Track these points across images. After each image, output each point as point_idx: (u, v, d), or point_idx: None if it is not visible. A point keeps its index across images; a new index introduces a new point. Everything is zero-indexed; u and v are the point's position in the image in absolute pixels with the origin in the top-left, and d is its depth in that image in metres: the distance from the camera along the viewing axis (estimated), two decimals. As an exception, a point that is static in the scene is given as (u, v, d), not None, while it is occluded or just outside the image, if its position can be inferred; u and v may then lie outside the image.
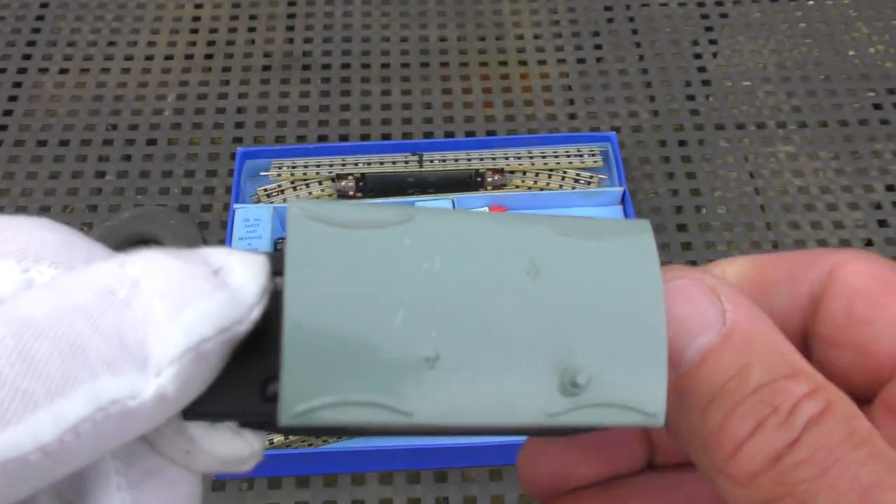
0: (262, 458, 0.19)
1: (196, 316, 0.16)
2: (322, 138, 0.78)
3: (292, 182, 0.71)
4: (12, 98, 0.81)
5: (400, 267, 0.16)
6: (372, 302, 0.16)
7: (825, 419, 0.16)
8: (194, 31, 0.87)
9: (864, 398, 0.19)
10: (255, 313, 0.17)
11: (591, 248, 0.17)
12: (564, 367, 0.16)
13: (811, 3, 0.89)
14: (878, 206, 0.74)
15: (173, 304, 0.16)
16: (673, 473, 0.22)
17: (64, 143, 0.78)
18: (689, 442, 0.18)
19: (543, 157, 0.72)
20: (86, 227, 0.72)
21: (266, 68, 0.84)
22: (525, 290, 0.16)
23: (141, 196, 0.74)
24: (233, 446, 0.18)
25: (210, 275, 0.16)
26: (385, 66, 0.84)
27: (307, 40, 0.87)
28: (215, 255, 0.17)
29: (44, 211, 0.73)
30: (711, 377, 0.17)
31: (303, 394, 0.15)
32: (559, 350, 0.16)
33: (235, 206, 0.69)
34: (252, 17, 0.88)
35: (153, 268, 0.16)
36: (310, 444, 0.59)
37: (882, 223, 0.73)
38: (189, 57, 0.85)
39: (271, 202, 0.70)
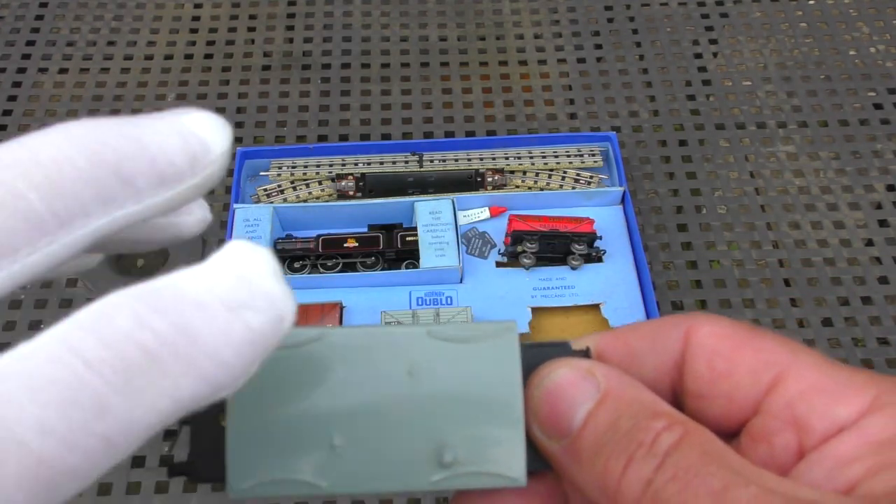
0: None
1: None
2: (322, 138, 0.78)
3: (292, 182, 0.70)
4: (11, 98, 0.81)
5: (312, 378, 0.22)
6: (291, 407, 0.21)
7: (683, 444, 0.20)
8: (194, 31, 0.87)
9: (733, 434, 0.23)
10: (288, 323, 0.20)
11: (461, 350, 0.22)
12: (439, 446, 0.22)
13: (812, 2, 0.89)
14: (879, 206, 0.74)
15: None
16: None
17: (63, 143, 0.78)
18: (589, 489, 0.22)
19: (543, 157, 0.72)
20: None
21: (266, 68, 0.84)
22: (406, 388, 0.22)
23: (140, 196, 0.74)
24: None
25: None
26: (385, 66, 0.84)
27: (307, 40, 0.86)
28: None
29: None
30: (593, 433, 0.22)
31: (243, 476, 0.21)
32: (435, 434, 0.22)
33: (235, 205, 0.69)
34: (252, 17, 0.88)
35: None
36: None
37: (882, 223, 0.73)
38: (188, 57, 0.85)
39: (271, 202, 0.70)
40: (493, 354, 0.22)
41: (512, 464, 0.22)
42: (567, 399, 0.22)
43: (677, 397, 0.25)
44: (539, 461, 0.23)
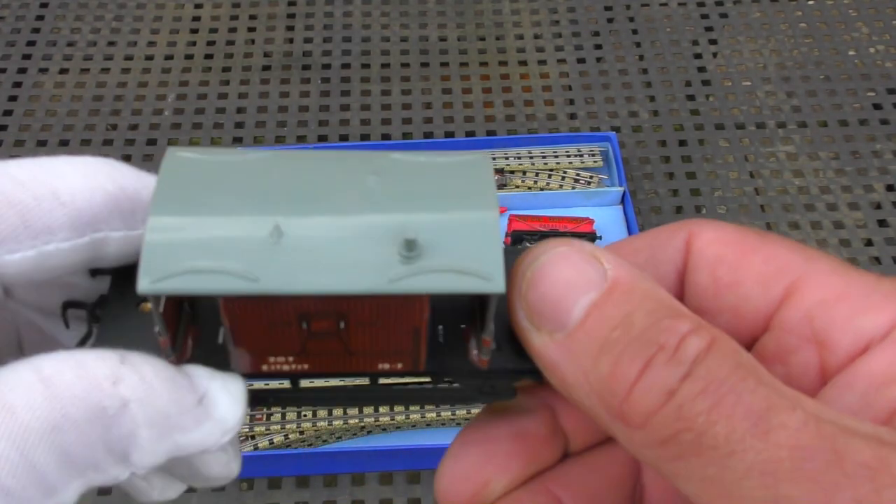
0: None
1: (176, 446, 0.19)
2: (322, 138, 0.78)
3: (292, 182, 0.71)
4: (12, 98, 0.81)
5: (253, 177, 0.18)
6: (225, 199, 0.18)
7: (713, 353, 0.17)
8: (194, 31, 0.87)
9: None
10: (230, 436, 0.20)
11: (430, 161, 0.19)
12: (403, 237, 0.17)
13: (811, 2, 0.89)
14: (878, 206, 0.74)
15: (157, 435, 0.19)
16: (589, 455, 0.23)
17: (64, 143, 0.78)
18: (586, 397, 0.18)
19: (543, 157, 0.72)
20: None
21: (266, 68, 0.84)
22: (367, 184, 0.18)
23: (141, 196, 0.74)
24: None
25: (195, 405, 0.19)
26: (385, 65, 0.84)
27: (307, 40, 0.87)
28: (199, 377, 0.20)
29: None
30: (597, 329, 0.18)
31: (155, 270, 0.17)
32: (398, 226, 0.18)
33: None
34: (252, 17, 0.88)
35: (143, 394, 0.19)
36: (310, 445, 0.59)
37: (882, 223, 0.73)
38: (189, 57, 0.85)
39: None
40: (464, 166, 0.19)
41: (487, 261, 0.18)
42: (566, 283, 0.18)
43: None
44: (526, 368, 0.20)
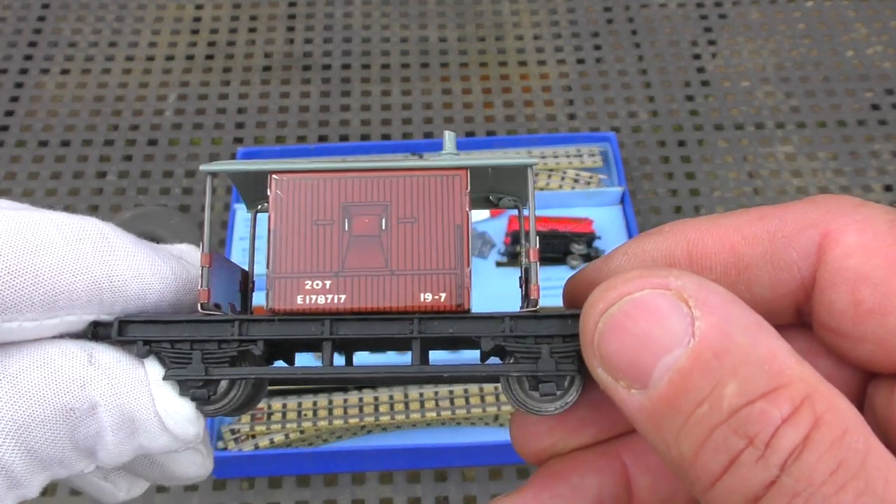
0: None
1: (141, 447, 0.20)
2: (322, 138, 0.79)
3: (293, 182, 0.71)
4: (14, 98, 0.81)
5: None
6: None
7: (808, 451, 0.14)
8: (195, 32, 0.87)
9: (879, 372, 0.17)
10: (193, 444, 0.21)
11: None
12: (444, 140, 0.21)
13: (810, 3, 0.89)
14: (877, 207, 0.74)
15: (124, 437, 0.19)
16: None
17: (65, 144, 0.78)
18: (670, 464, 0.16)
19: (543, 157, 0.72)
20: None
21: (266, 68, 0.84)
22: None
23: (142, 196, 0.75)
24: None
25: (157, 416, 0.20)
26: (385, 66, 0.85)
27: (307, 41, 0.87)
28: (153, 383, 0.20)
29: (45, 211, 0.74)
30: (681, 403, 0.15)
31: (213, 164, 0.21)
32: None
33: (236, 205, 0.69)
34: (253, 18, 0.89)
35: (111, 399, 0.19)
36: (310, 444, 0.60)
37: (880, 223, 0.73)
38: (190, 57, 0.85)
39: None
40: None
41: (523, 159, 0.21)
42: (646, 340, 0.16)
43: (803, 317, 0.18)
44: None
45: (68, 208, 0.74)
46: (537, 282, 0.20)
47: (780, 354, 0.15)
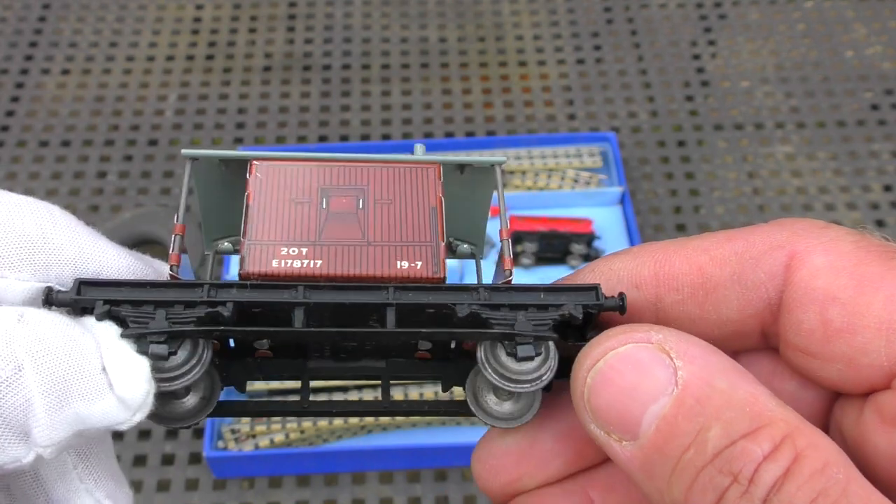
0: None
1: (76, 417, 0.17)
2: (322, 138, 0.79)
3: (293, 182, 0.71)
4: (14, 99, 0.81)
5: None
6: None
7: (788, 482, 0.15)
8: (195, 32, 0.88)
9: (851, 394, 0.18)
10: (139, 417, 0.18)
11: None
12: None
13: (809, 4, 0.89)
14: (876, 207, 0.74)
15: (55, 402, 0.17)
16: None
17: (66, 144, 0.78)
18: None
19: (543, 157, 0.72)
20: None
21: (267, 69, 0.84)
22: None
23: (142, 196, 0.75)
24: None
25: (97, 373, 0.18)
26: (385, 66, 0.85)
27: (308, 41, 0.87)
28: (105, 341, 0.18)
29: (46, 211, 0.74)
30: (669, 449, 0.16)
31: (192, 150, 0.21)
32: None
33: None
34: (253, 18, 0.89)
35: (39, 357, 0.17)
36: (310, 444, 0.60)
37: (880, 223, 0.73)
38: (190, 57, 0.85)
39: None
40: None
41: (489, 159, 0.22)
42: (633, 391, 0.17)
43: (768, 340, 0.19)
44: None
45: (69, 208, 0.73)
46: (510, 255, 0.21)
47: (760, 398, 0.16)
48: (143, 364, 0.18)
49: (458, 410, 0.22)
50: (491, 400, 0.21)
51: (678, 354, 0.17)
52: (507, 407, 0.21)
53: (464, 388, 0.22)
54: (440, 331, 0.20)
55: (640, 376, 0.17)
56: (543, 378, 0.19)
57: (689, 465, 0.16)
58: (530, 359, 0.19)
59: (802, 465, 0.15)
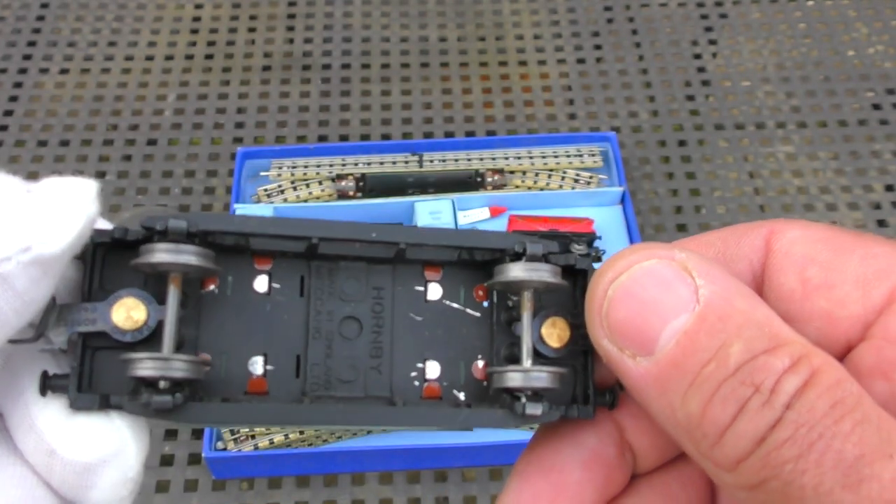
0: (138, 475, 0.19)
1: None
2: (322, 138, 0.78)
3: (292, 182, 0.71)
4: (13, 98, 0.81)
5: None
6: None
7: (808, 391, 0.15)
8: (194, 32, 0.87)
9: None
10: (69, 238, 0.16)
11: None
12: None
13: (810, 3, 0.89)
14: (878, 207, 0.74)
15: None
16: (659, 478, 0.21)
17: (64, 143, 0.78)
18: (674, 430, 0.17)
19: (543, 157, 0.72)
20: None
21: (266, 68, 0.84)
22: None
23: (141, 196, 0.74)
24: (94, 436, 0.18)
25: (19, 191, 0.16)
26: (385, 66, 0.85)
27: (307, 40, 0.87)
28: (47, 181, 0.17)
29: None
30: (689, 363, 0.16)
31: None
32: None
33: (235, 205, 0.69)
34: (252, 18, 0.88)
35: None
36: (310, 444, 0.59)
37: (881, 223, 0.73)
38: (189, 57, 0.85)
39: (271, 202, 0.70)
40: None
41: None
42: (653, 305, 0.17)
43: None
44: (594, 395, 0.19)
45: (67, 208, 0.74)
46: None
47: (776, 321, 0.17)
48: (91, 187, 0.17)
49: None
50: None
51: (700, 274, 0.17)
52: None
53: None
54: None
55: (663, 291, 0.17)
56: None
57: (709, 378, 0.16)
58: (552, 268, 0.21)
59: (820, 378, 0.16)
